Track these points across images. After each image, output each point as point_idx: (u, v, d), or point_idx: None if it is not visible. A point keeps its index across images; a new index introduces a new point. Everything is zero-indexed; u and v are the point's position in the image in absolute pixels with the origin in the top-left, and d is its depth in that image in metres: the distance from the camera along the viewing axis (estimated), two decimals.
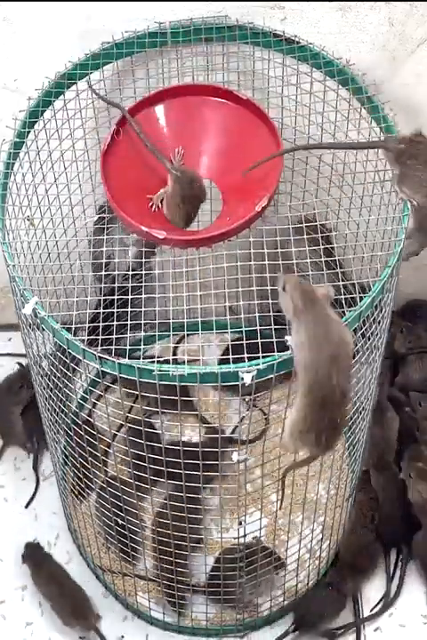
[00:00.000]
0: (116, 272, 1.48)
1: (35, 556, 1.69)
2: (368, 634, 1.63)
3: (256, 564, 1.50)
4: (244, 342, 1.16)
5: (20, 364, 1.90)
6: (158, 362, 1.16)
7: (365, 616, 1.64)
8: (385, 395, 1.82)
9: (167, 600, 1.60)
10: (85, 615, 1.62)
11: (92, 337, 1.45)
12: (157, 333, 1.87)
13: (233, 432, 1.80)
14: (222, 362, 1.30)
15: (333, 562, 1.69)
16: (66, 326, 1.21)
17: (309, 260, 1.28)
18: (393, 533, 1.71)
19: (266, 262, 1.26)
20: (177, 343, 1.95)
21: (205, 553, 1.60)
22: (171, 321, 1.48)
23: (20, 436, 1.85)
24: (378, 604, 1.65)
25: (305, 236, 1.32)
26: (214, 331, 1.45)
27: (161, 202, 1.39)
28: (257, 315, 1.28)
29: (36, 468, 1.83)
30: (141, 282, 1.36)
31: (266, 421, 1.78)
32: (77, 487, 1.60)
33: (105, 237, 1.40)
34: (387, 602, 1.65)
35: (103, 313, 1.37)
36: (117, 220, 1.43)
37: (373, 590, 1.67)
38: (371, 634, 1.63)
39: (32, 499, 1.80)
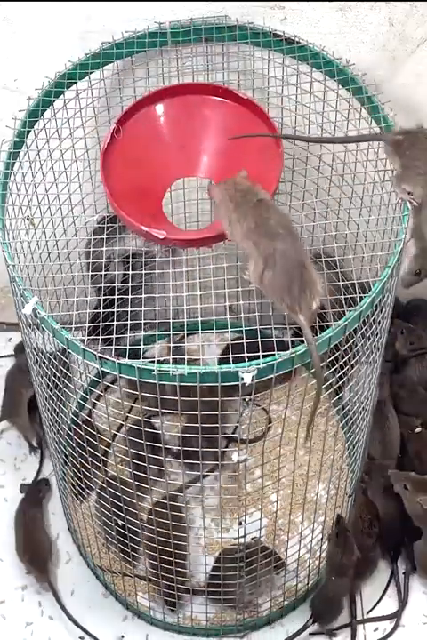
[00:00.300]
0: (116, 271, 1.48)
1: (29, 496, 1.75)
2: (368, 633, 1.63)
3: (256, 564, 1.50)
4: (244, 341, 1.16)
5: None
6: (158, 362, 1.16)
7: (365, 617, 1.64)
8: (386, 395, 1.82)
9: (164, 598, 1.60)
10: (41, 569, 1.66)
11: (92, 337, 1.45)
12: (157, 333, 1.87)
13: (233, 432, 1.80)
14: (221, 361, 1.30)
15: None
16: (66, 326, 1.21)
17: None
18: (394, 538, 1.70)
19: None
20: (177, 343, 1.95)
21: (204, 553, 1.60)
22: (171, 321, 1.48)
23: (24, 421, 1.85)
24: (376, 605, 1.65)
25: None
26: (214, 330, 1.45)
27: None
28: (257, 314, 1.28)
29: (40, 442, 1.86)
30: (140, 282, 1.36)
31: (269, 420, 1.78)
32: (77, 487, 1.60)
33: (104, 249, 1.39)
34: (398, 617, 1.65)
35: (103, 313, 1.37)
36: (119, 229, 1.43)
37: (371, 590, 1.68)
38: (371, 634, 1.63)
39: (38, 473, 1.83)
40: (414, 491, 1.64)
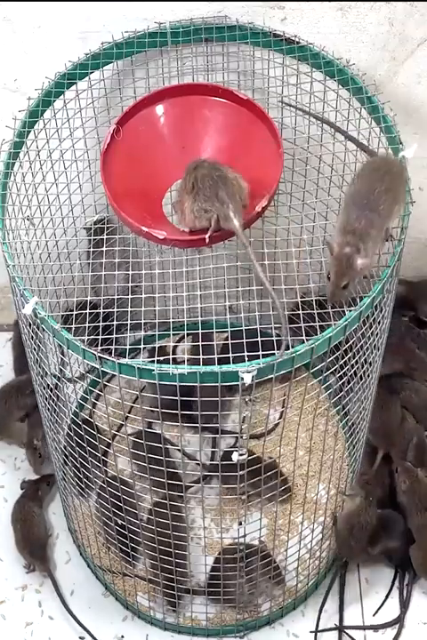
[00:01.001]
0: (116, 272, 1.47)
1: (27, 491, 1.77)
2: (368, 634, 1.63)
3: (255, 565, 1.50)
4: (244, 341, 1.16)
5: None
6: (158, 362, 1.16)
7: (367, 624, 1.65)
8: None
9: (164, 598, 1.60)
10: (42, 558, 1.69)
11: (92, 337, 1.45)
12: (157, 333, 1.87)
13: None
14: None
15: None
16: (66, 326, 1.21)
17: (309, 260, 1.28)
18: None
19: (266, 262, 1.26)
20: (177, 343, 1.95)
21: (204, 553, 1.60)
22: (171, 320, 1.48)
23: (15, 434, 1.86)
24: (379, 609, 1.66)
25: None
26: (214, 330, 1.45)
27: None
28: (257, 314, 1.28)
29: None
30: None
31: (280, 415, 1.78)
32: (77, 487, 1.60)
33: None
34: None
35: (103, 313, 1.36)
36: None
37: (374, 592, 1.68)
38: (371, 634, 1.63)
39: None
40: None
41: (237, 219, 1.26)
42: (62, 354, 1.29)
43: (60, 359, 1.39)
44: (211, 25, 1.56)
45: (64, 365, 1.35)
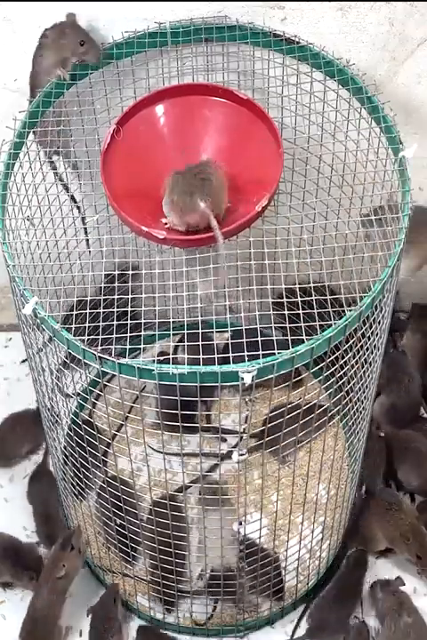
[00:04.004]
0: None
1: None
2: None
3: (256, 564, 1.50)
4: (244, 340, 1.16)
5: None
6: (158, 361, 1.16)
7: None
8: None
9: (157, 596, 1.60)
10: None
11: (92, 337, 1.45)
12: (157, 333, 1.87)
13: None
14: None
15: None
16: (66, 326, 1.21)
17: (309, 259, 1.28)
18: None
19: (266, 262, 1.26)
20: (177, 343, 1.95)
21: (205, 553, 1.60)
22: (171, 320, 1.48)
23: None
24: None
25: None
26: (214, 330, 1.45)
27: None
28: (257, 314, 1.28)
29: None
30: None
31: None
32: (77, 487, 1.60)
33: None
34: None
35: (103, 313, 1.36)
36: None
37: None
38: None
39: None
40: None
41: (209, 208, 1.30)
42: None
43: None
44: (211, 25, 1.56)
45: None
